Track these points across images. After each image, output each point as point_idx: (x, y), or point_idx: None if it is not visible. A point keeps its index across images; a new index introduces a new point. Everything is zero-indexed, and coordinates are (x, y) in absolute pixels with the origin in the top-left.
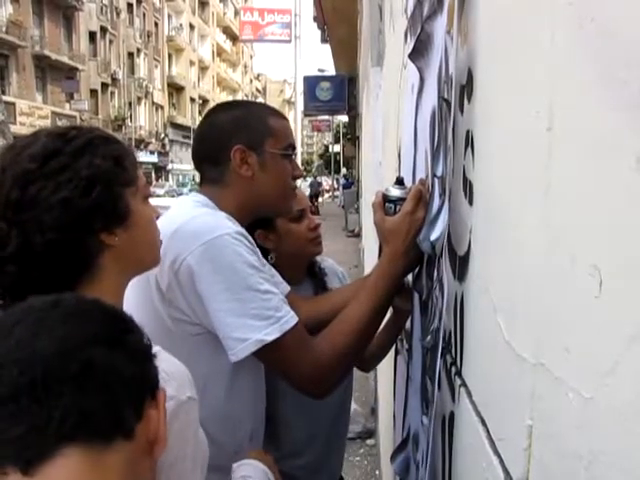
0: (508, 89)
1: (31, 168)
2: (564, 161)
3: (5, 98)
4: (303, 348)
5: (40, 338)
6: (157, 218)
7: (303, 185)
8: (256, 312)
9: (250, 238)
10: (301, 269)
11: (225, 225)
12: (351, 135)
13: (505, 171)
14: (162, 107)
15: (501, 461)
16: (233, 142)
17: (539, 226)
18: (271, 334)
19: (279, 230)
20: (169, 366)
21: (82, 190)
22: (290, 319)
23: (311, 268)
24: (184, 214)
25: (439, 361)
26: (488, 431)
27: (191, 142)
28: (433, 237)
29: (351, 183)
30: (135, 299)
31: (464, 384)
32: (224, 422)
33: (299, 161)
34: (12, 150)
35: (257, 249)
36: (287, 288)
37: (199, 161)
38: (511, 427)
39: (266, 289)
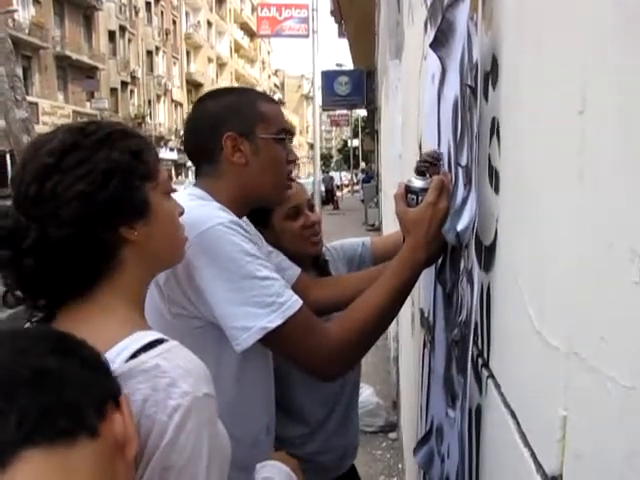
0: (536, 73)
1: (49, 162)
2: (598, 144)
3: (28, 98)
4: (310, 332)
5: None
6: (181, 214)
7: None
8: (257, 300)
9: (245, 225)
10: (305, 266)
11: (218, 215)
12: (370, 129)
13: (534, 158)
14: (181, 104)
15: (532, 454)
16: (224, 130)
17: (572, 212)
18: (274, 320)
19: (275, 227)
20: (186, 362)
21: (99, 183)
22: (293, 304)
23: (315, 261)
24: None
25: (470, 353)
26: (518, 423)
27: None
28: (460, 227)
29: (370, 177)
30: None
31: (492, 376)
32: (237, 416)
33: (317, 156)
34: (33, 146)
35: (256, 236)
36: (297, 271)
37: (192, 153)
38: (543, 419)
39: (265, 275)
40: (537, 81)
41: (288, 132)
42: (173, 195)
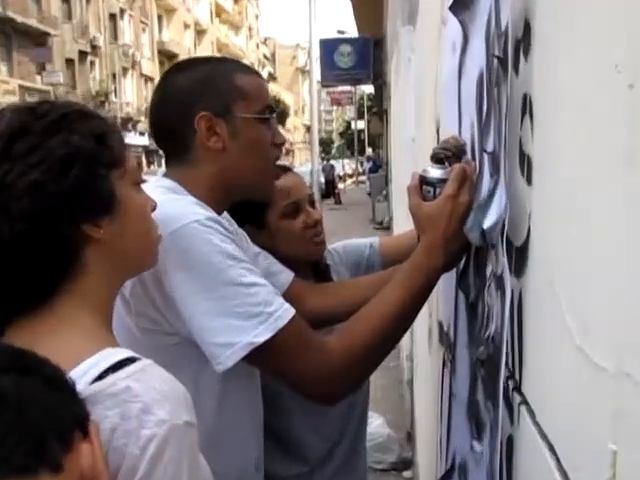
0: (577, 40)
1: None
2: None
3: None
4: (304, 347)
5: None
6: (153, 209)
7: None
8: (241, 310)
9: (225, 223)
10: (303, 272)
11: (193, 211)
12: (377, 109)
13: (575, 141)
14: (152, 79)
15: None
16: (196, 109)
17: (621, 205)
18: (262, 334)
19: (271, 227)
20: (162, 385)
21: (56, 172)
22: (284, 313)
23: (315, 266)
24: None
25: (502, 375)
26: (558, 458)
27: None
28: (487, 225)
29: (378, 166)
30: None
31: (525, 401)
32: (218, 448)
33: (315, 141)
34: None
35: (240, 235)
36: (290, 276)
37: (159, 138)
38: (588, 453)
39: (250, 281)
40: (578, 50)
41: (272, 109)
42: (142, 187)
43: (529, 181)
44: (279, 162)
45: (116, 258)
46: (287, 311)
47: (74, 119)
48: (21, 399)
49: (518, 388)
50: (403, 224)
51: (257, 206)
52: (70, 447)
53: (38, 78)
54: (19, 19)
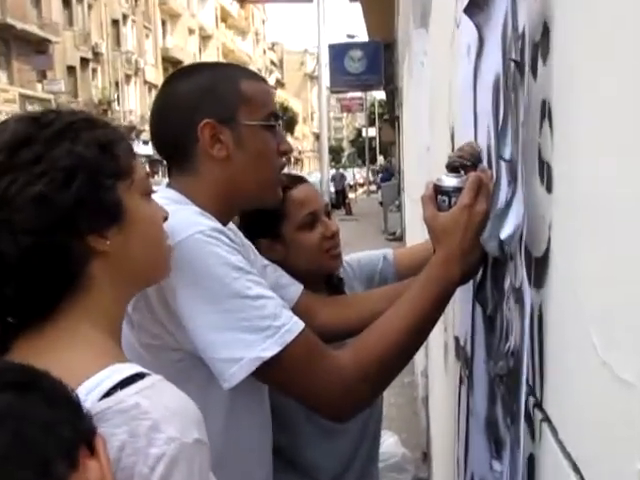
0: (600, 40)
1: None
2: None
3: None
4: (314, 361)
5: None
6: (165, 220)
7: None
8: (248, 324)
9: (230, 233)
10: (316, 286)
11: (196, 222)
12: (389, 115)
13: (599, 147)
14: (156, 86)
15: None
16: (199, 116)
17: None
18: (270, 348)
19: (286, 239)
20: (172, 401)
21: (60, 183)
22: (292, 327)
23: (328, 280)
24: None
25: (523, 391)
26: (582, 478)
27: None
28: (504, 235)
29: (390, 174)
30: None
31: (547, 419)
32: (226, 467)
33: (325, 149)
34: None
35: (247, 247)
36: (299, 288)
37: (161, 147)
38: (614, 474)
39: (257, 294)
40: (601, 51)
41: (278, 116)
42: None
43: (549, 189)
44: (293, 173)
45: (124, 270)
46: (296, 324)
47: (79, 128)
48: (20, 418)
49: (539, 405)
50: (418, 235)
51: (271, 218)
52: (76, 465)
53: (39, 86)
54: (19, 25)
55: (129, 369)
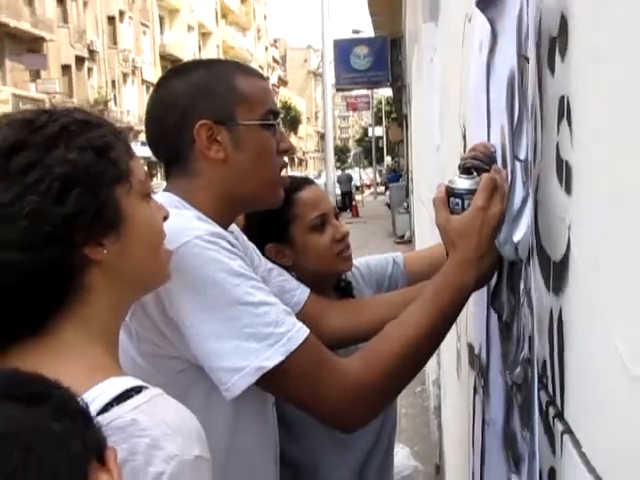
0: (621, 34)
1: None
2: None
3: None
4: (320, 370)
5: None
6: (165, 219)
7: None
8: (250, 331)
9: (230, 237)
10: (324, 290)
11: (194, 226)
12: (397, 114)
13: (621, 146)
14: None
15: None
16: (195, 116)
17: None
18: (273, 357)
19: (296, 243)
20: (172, 417)
21: (55, 194)
22: (297, 334)
23: (337, 284)
24: None
25: (536, 401)
26: None
27: None
28: (517, 238)
29: (398, 175)
30: None
31: (569, 430)
32: (230, 477)
33: (330, 149)
34: None
35: (249, 250)
36: (305, 292)
37: (157, 149)
38: None
39: (260, 300)
40: (623, 45)
41: (277, 114)
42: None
43: (568, 190)
44: (300, 175)
45: (123, 278)
46: (300, 331)
47: (73, 131)
48: (29, 434)
49: (560, 415)
50: (427, 238)
51: (280, 221)
52: (87, 479)
53: (32, 86)
54: (11, 23)
55: (125, 383)
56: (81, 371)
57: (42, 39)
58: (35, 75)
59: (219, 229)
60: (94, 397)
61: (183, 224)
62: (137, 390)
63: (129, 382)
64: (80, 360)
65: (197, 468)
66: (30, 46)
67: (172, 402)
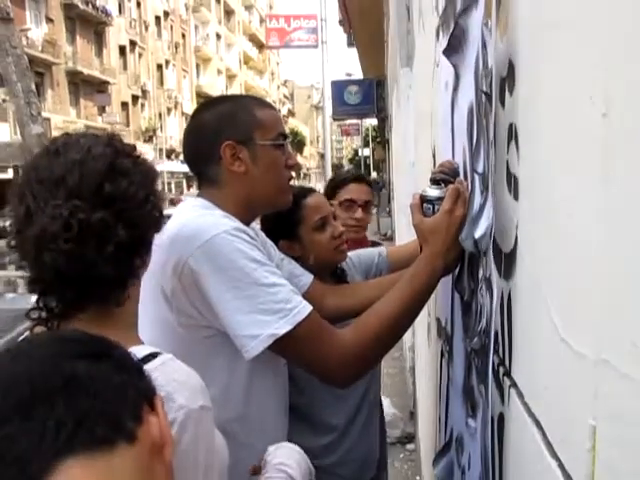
0: (555, 75)
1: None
2: (624, 147)
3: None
4: (321, 337)
5: (19, 362)
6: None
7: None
8: (265, 307)
9: (251, 232)
10: (324, 276)
11: (222, 223)
12: (380, 138)
13: (556, 163)
14: None
15: (560, 464)
16: (222, 138)
17: (598, 217)
18: (283, 327)
19: (303, 239)
20: (181, 375)
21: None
22: (302, 309)
23: (334, 272)
24: (181, 219)
25: (491, 362)
26: (544, 433)
27: None
28: (478, 234)
29: (382, 187)
30: (146, 316)
31: (514, 384)
32: (249, 422)
33: (328, 166)
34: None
35: (266, 244)
36: (310, 278)
37: (193, 165)
38: (571, 428)
39: (272, 282)
40: (555, 84)
41: (286, 136)
42: (173, 209)
43: (516, 197)
44: (305, 186)
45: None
46: (305, 307)
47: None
48: (95, 383)
49: (508, 373)
50: (404, 236)
51: (290, 222)
52: (141, 420)
53: (99, 118)
54: (85, 72)
55: (144, 350)
56: (120, 339)
57: (107, 82)
58: (102, 110)
59: (242, 225)
60: None
61: (214, 221)
62: (154, 355)
63: (147, 349)
64: (117, 332)
65: (202, 415)
66: (98, 88)
67: (179, 363)
